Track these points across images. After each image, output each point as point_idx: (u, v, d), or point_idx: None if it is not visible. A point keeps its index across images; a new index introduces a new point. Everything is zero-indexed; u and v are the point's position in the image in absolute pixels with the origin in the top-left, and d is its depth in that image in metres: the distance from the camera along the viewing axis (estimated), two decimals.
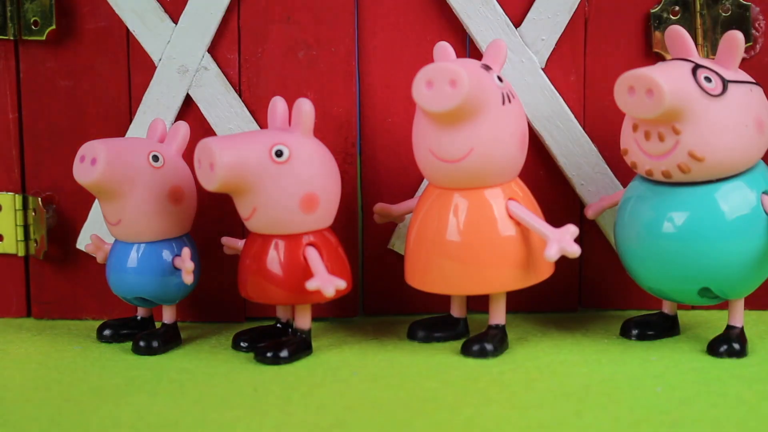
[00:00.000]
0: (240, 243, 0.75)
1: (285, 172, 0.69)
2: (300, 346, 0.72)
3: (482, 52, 0.74)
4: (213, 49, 0.77)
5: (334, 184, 0.71)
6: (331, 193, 0.71)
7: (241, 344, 0.74)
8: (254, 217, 0.70)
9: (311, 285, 0.68)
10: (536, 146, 0.76)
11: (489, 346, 0.71)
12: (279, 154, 0.69)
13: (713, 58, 0.70)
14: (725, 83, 0.68)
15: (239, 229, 0.78)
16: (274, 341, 0.72)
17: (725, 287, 0.69)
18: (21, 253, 0.79)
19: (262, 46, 0.77)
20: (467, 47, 0.77)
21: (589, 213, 0.75)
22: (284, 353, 0.71)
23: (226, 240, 0.76)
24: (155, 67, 0.77)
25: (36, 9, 0.76)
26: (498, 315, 0.72)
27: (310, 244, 0.71)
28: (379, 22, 0.76)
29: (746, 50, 0.75)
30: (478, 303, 0.76)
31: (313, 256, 0.70)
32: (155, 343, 0.73)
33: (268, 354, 0.71)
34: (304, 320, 0.72)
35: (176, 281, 0.73)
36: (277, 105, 0.72)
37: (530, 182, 0.73)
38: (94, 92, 0.78)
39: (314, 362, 0.71)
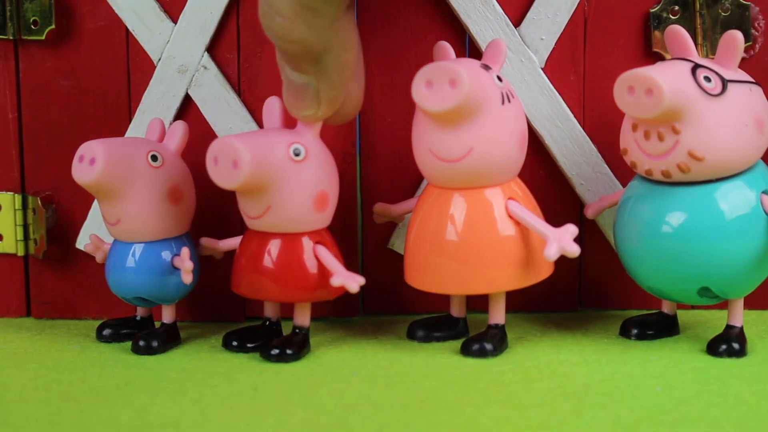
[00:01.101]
0: (220, 244, 0.75)
1: (302, 171, 0.69)
2: (302, 344, 0.72)
3: (482, 51, 0.74)
4: (212, 49, 0.77)
5: (337, 183, 0.72)
6: (336, 192, 0.71)
7: (233, 343, 0.74)
8: (267, 215, 0.70)
9: (336, 281, 0.69)
10: (536, 146, 0.76)
11: (489, 346, 0.71)
12: (297, 153, 0.69)
13: (713, 58, 0.70)
14: (725, 83, 0.68)
15: (239, 229, 0.78)
16: (279, 339, 0.72)
17: (725, 287, 0.70)
18: (20, 252, 0.79)
19: (261, 45, 0.77)
20: (467, 47, 0.77)
21: (589, 213, 0.76)
22: (290, 350, 0.71)
23: (205, 241, 0.76)
24: (154, 67, 0.77)
25: (35, 9, 0.76)
26: (498, 315, 0.72)
27: (318, 242, 0.71)
28: (379, 21, 0.76)
29: (746, 50, 0.75)
30: (478, 303, 0.76)
31: (326, 254, 0.70)
32: (155, 343, 0.73)
33: (274, 352, 0.71)
34: (304, 318, 0.72)
35: (175, 281, 0.73)
36: (274, 105, 0.72)
37: (530, 182, 0.73)
38: (93, 92, 0.78)
39: (314, 362, 0.71)
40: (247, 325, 0.76)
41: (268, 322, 0.75)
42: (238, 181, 0.68)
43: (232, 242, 0.75)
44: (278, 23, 0.65)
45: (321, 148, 0.71)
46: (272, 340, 0.73)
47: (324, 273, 0.71)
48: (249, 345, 0.73)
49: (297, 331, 0.73)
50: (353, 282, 0.69)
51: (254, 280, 0.71)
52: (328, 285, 0.70)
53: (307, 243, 0.71)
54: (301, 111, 0.69)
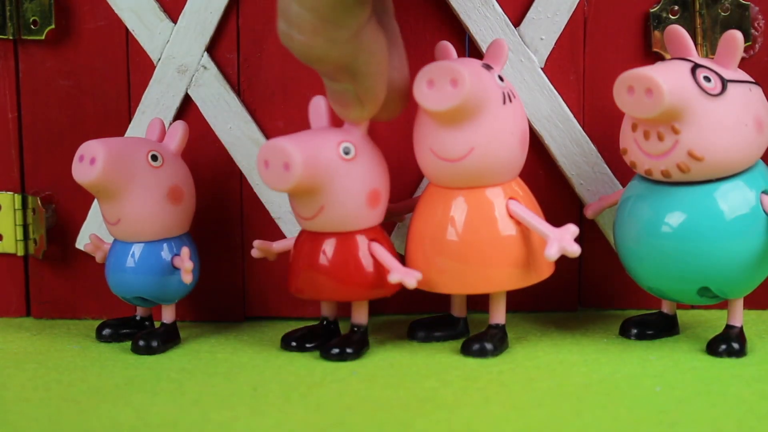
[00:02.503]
0: (274, 246, 0.75)
1: (353, 170, 0.69)
2: (362, 342, 0.72)
3: (482, 51, 0.74)
4: (212, 49, 0.77)
5: (387, 180, 0.71)
6: (387, 189, 0.71)
7: (292, 344, 0.73)
8: (320, 215, 0.69)
9: (393, 278, 0.69)
10: (535, 146, 0.76)
11: (489, 346, 0.71)
12: (347, 151, 0.69)
13: (712, 58, 0.70)
14: (724, 83, 0.68)
15: (238, 229, 0.78)
16: (339, 338, 0.72)
17: (724, 287, 0.70)
18: (20, 252, 0.79)
19: (261, 45, 0.77)
20: (467, 47, 0.77)
21: (589, 213, 0.76)
22: (350, 349, 0.71)
23: (259, 243, 0.75)
24: (154, 67, 0.77)
25: (35, 8, 0.76)
26: (498, 314, 0.72)
27: (374, 239, 0.71)
28: None
29: (745, 50, 0.75)
30: (478, 302, 0.76)
31: (381, 251, 0.70)
32: (154, 343, 0.73)
33: (334, 351, 0.71)
34: (362, 316, 0.72)
35: (175, 281, 0.73)
36: (320, 104, 0.72)
37: (529, 182, 0.73)
38: (93, 92, 0.78)
39: (313, 361, 0.71)
40: (305, 326, 0.75)
41: (325, 322, 0.75)
42: (290, 183, 0.67)
43: (285, 243, 0.74)
44: (298, 42, 0.63)
45: (370, 146, 0.71)
46: (330, 339, 0.73)
47: (380, 270, 0.70)
48: (308, 345, 0.73)
49: (355, 329, 0.72)
50: (411, 278, 0.69)
51: (312, 280, 0.71)
52: (385, 282, 0.70)
53: (362, 241, 0.71)
54: (348, 115, 0.69)
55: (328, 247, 0.71)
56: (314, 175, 0.68)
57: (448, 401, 0.64)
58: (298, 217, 0.71)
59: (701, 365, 0.69)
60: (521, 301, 0.77)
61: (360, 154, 0.70)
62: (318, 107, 0.72)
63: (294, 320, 0.77)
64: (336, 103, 0.69)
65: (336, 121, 0.72)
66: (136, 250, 0.73)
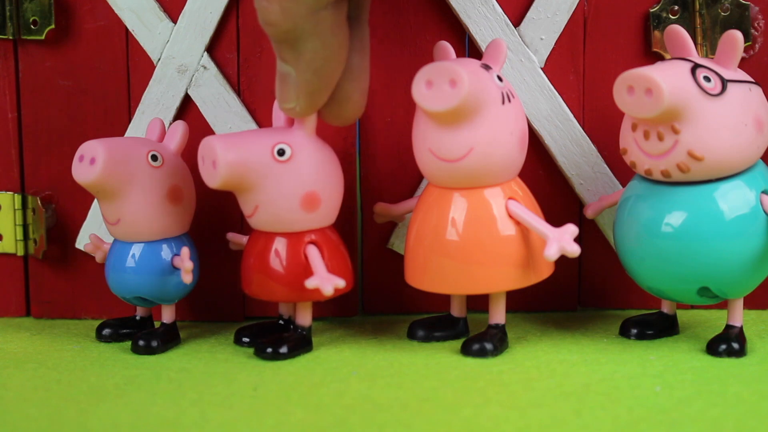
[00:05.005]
0: (245, 239, 0.75)
1: (287, 171, 0.69)
2: (300, 343, 0.72)
3: (482, 51, 0.74)
4: (212, 49, 0.77)
5: (336, 183, 0.71)
6: (333, 192, 0.71)
7: (243, 339, 0.74)
8: (256, 214, 0.70)
9: (310, 283, 0.68)
10: (535, 146, 0.76)
11: (489, 346, 0.71)
12: (281, 153, 0.69)
13: (712, 58, 0.70)
14: (724, 83, 0.68)
15: (238, 229, 0.78)
16: (274, 337, 0.72)
17: (724, 287, 0.70)
18: (20, 252, 0.79)
19: (261, 45, 0.77)
20: (467, 47, 0.77)
21: (589, 212, 0.76)
22: (284, 349, 0.71)
23: (231, 236, 0.77)
24: (154, 67, 0.77)
25: (35, 8, 0.76)
26: (498, 314, 0.72)
27: (311, 242, 0.71)
28: (379, 21, 0.76)
29: (745, 50, 0.75)
30: (478, 302, 0.76)
31: (313, 254, 0.70)
32: (154, 343, 0.73)
33: (268, 350, 0.71)
34: (304, 317, 0.73)
35: (175, 281, 0.73)
36: None
37: (529, 182, 0.73)
38: (93, 92, 0.78)
39: (313, 361, 0.71)
40: (260, 322, 0.76)
41: (281, 320, 0.75)
42: (217, 180, 0.68)
43: None
44: (258, 4, 0.66)
45: (315, 148, 0.71)
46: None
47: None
48: (260, 342, 0.73)
49: (298, 330, 0.73)
50: (328, 285, 0.68)
51: (257, 279, 0.72)
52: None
53: (301, 243, 0.71)
54: (283, 103, 0.69)
55: (275, 246, 0.71)
56: (243, 175, 0.68)
57: (448, 401, 0.64)
58: (244, 214, 0.71)
59: (701, 365, 0.69)
60: (521, 301, 0.77)
61: (297, 156, 0.70)
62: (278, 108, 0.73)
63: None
64: (277, 89, 0.69)
65: (291, 122, 0.72)
66: (136, 250, 0.73)
